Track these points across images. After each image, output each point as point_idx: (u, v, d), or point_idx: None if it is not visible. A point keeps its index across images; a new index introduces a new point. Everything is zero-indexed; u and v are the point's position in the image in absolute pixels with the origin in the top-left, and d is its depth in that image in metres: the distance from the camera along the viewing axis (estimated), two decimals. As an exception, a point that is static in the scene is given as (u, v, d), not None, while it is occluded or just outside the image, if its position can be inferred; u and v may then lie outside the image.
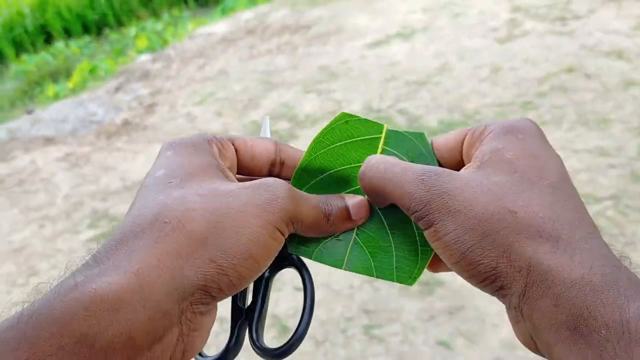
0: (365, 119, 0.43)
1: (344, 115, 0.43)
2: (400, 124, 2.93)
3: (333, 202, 0.39)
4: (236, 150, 0.42)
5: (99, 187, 2.90)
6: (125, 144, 3.35)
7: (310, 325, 0.38)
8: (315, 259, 0.39)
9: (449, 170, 0.37)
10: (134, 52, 5.59)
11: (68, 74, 5.55)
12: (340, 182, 0.42)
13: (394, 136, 0.43)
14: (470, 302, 1.88)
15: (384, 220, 0.41)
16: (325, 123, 0.44)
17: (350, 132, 0.43)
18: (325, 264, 0.39)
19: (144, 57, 4.94)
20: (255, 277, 0.35)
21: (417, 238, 0.39)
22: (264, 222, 0.34)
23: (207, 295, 0.32)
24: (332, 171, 0.42)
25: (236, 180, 0.38)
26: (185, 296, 0.31)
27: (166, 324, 0.31)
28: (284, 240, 0.35)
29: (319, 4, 5.28)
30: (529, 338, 0.34)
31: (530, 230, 0.33)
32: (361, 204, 0.40)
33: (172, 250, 0.31)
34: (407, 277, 0.39)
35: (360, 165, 0.40)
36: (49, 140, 3.54)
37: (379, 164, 0.38)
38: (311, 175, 0.42)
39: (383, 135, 0.43)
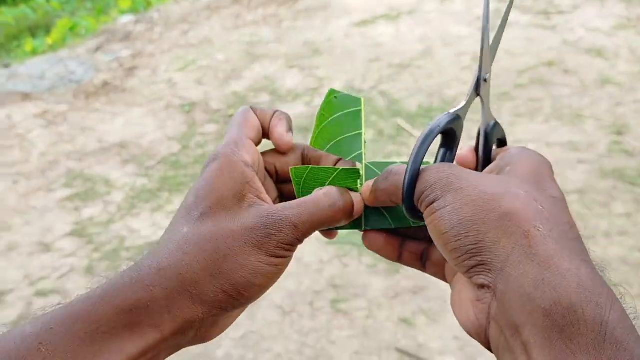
0: (347, 95, 0.52)
1: (333, 91, 0.52)
2: (381, 106, 2.96)
3: (342, 196, 0.45)
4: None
5: (75, 147, 2.88)
6: (103, 105, 3.32)
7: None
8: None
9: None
10: (116, 11, 5.48)
11: (47, 30, 5.44)
12: (346, 150, 0.50)
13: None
14: (434, 283, 1.94)
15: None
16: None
17: (340, 105, 0.51)
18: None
19: (127, 18, 4.86)
20: (264, 293, 0.42)
21: None
22: (261, 257, 0.40)
23: (223, 311, 0.40)
24: (337, 139, 0.51)
25: (268, 199, 0.45)
26: (203, 302, 0.39)
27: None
28: (290, 257, 0.42)
29: (307, -22, 5.25)
30: (482, 323, 0.35)
31: (529, 212, 0.35)
32: (360, 203, 0.47)
33: (190, 278, 0.39)
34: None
35: (355, 134, 0.50)
36: (26, 96, 3.49)
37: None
38: (325, 142, 0.51)
39: (363, 107, 0.51)
